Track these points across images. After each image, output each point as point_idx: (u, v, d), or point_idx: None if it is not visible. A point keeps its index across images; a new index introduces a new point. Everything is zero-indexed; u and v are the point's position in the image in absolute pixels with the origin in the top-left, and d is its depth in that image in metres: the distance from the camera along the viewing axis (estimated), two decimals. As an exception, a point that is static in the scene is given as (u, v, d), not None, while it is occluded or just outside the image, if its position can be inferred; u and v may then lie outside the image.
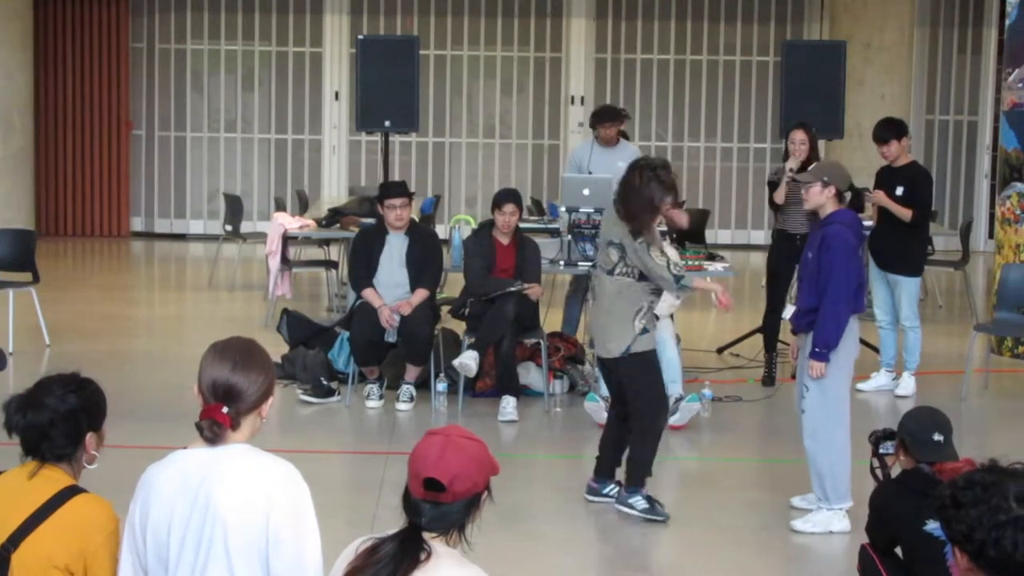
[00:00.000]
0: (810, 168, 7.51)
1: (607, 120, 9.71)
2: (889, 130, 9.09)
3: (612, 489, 6.70)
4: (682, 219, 9.16)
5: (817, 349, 6.21)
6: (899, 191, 8.98)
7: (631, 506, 6.49)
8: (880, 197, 9.01)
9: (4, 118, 15.02)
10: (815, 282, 6.23)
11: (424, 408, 8.54)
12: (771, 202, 9.46)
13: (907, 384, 9.14)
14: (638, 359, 6.47)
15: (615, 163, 9.60)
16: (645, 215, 6.41)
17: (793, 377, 7.84)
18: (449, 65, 17.33)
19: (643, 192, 6.37)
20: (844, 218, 6.32)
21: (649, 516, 6.45)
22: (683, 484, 7.51)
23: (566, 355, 9.10)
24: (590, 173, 9.42)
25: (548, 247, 9.09)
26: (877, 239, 9.21)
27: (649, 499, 6.50)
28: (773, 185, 9.37)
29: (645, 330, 6.48)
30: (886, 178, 9.14)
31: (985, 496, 2.71)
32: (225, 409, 3.26)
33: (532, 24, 17.33)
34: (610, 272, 6.51)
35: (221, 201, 15.40)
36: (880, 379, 9.28)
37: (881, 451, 5.06)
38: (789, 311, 6.60)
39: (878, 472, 5.06)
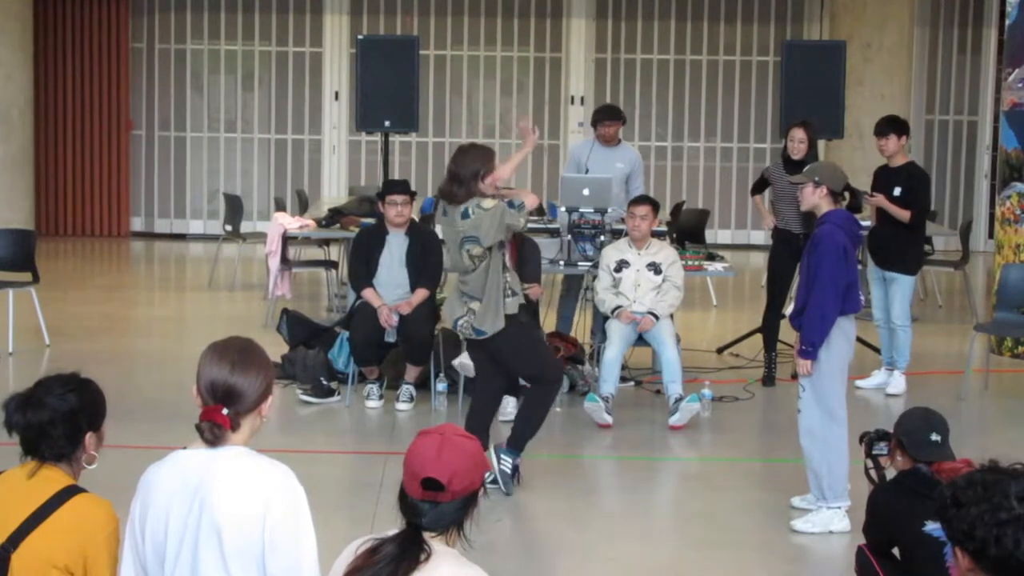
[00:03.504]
0: (804, 169, 7.51)
1: (608, 118, 9.74)
2: (890, 125, 9.14)
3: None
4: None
5: (803, 347, 6.25)
6: (896, 191, 9.01)
7: (500, 459, 6.82)
8: (879, 200, 9.03)
9: (4, 118, 15.01)
10: (807, 282, 6.25)
11: (424, 408, 8.54)
12: (752, 191, 10.04)
13: (898, 383, 9.15)
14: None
15: (614, 163, 9.61)
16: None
17: (794, 377, 7.85)
18: (449, 65, 17.33)
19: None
20: (837, 219, 6.34)
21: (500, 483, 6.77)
22: (683, 484, 7.51)
23: (566, 355, 9.09)
24: (587, 171, 9.42)
25: (548, 247, 9.08)
26: (875, 238, 9.25)
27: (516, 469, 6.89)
28: (763, 181, 9.66)
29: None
30: (883, 178, 9.16)
31: (986, 495, 2.71)
32: (225, 410, 3.25)
33: (532, 24, 17.33)
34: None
35: (221, 201, 15.40)
36: (880, 377, 9.29)
37: (875, 452, 5.05)
38: (790, 308, 6.63)
39: (872, 473, 5.06)
